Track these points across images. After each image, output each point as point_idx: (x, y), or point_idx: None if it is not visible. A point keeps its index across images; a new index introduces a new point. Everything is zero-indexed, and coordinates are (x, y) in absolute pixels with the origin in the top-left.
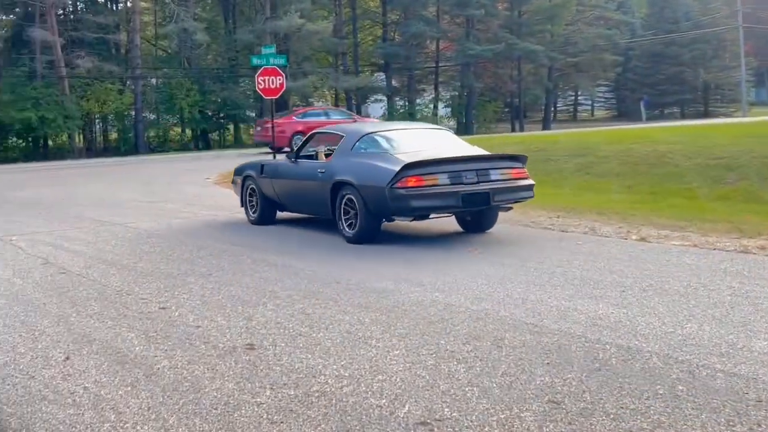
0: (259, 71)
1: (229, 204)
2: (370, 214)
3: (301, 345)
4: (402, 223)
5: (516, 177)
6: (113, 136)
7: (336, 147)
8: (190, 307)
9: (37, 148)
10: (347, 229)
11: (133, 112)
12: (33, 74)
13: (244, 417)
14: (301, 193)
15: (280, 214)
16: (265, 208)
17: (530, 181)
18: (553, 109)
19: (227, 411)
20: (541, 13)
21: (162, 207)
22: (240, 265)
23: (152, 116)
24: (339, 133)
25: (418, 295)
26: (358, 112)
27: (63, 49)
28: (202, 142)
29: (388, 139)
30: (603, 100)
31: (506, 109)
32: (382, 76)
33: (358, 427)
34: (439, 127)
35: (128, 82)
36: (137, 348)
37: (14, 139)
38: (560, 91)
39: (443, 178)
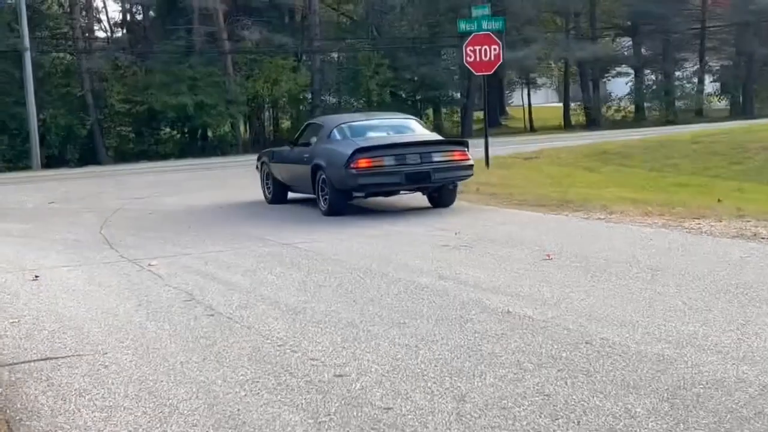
0: (468, 39)
1: (439, 219)
2: (336, 191)
3: None
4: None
5: (457, 159)
6: (285, 124)
7: (318, 134)
8: (376, 375)
9: (195, 141)
10: (323, 204)
11: (309, 95)
12: (189, 50)
13: None
14: (297, 175)
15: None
16: (276, 189)
17: (470, 162)
18: None
19: None
20: None
21: (347, 220)
22: (445, 311)
23: (333, 99)
24: (321, 123)
25: None
26: (595, 89)
27: (225, 18)
28: None
29: (354, 128)
30: None
31: None
32: (627, 42)
33: None
34: (407, 116)
35: (303, 57)
36: None
37: (167, 130)
38: None
39: (389, 160)
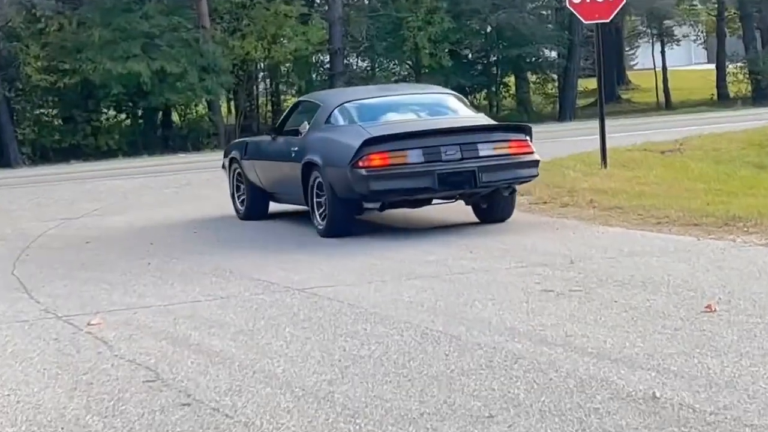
0: None
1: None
2: (338, 202)
3: None
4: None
5: (515, 152)
6: (289, 100)
7: (312, 119)
8: None
9: (152, 130)
10: (319, 220)
11: (326, 57)
12: None
13: None
14: (280, 177)
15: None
16: (253, 198)
17: (534, 157)
18: None
19: None
20: None
21: (376, 246)
22: (555, 396)
23: (362, 63)
24: (316, 102)
25: None
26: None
27: None
28: None
29: (364, 109)
30: None
31: None
32: None
33: None
34: (445, 91)
35: (317, 0)
36: None
37: (110, 113)
38: None
39: (415, 155)
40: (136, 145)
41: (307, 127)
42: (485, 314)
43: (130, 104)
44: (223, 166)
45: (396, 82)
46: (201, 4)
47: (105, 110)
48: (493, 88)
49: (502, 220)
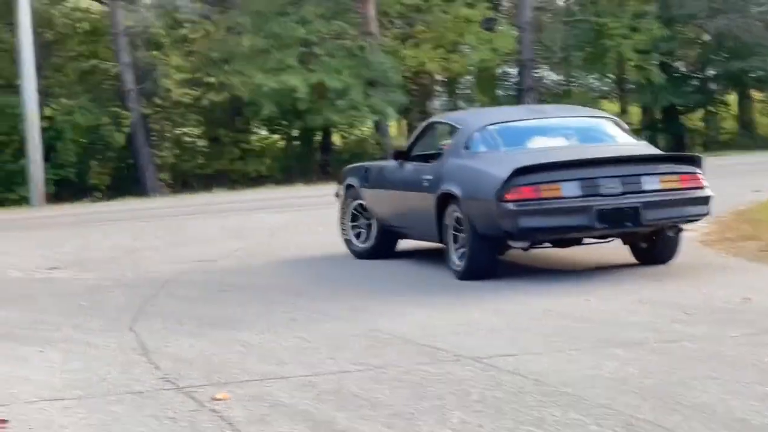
0: None
1: None
2: (480, 239)
3: None
4: None
5: (684, 187)
6: None
7: (450, 144)
8: None
9: (309, 153)
10: (456, 260)
11: (514, 69)
12: None
13: None
14: (408, 210)
15: None
16: (378, 233)
17: (706, 192)
18: None
19: None
20: None
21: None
22: None
23: (555, 77)
24: (454, 124)
25: None
26: None
27: None
28: (667, 132)
29: (510, 133)
30: None
31: None
32: None
33: None
34: (601, 114)
35: (504, 4)
36: None
37: (261, 133)
38: None
39: (571, 188)
40: (290, 171)
41: (442, 151)
42: (706, 399)
43: (285, 124)
44: (337, 195)
45: (596, 99)
46: (367, 6)
47: (255, 130)
48: (711, 108)
49: (663, 261)
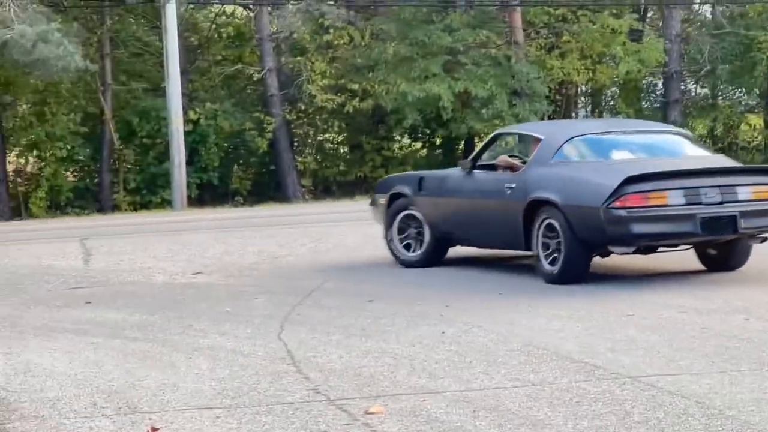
0: None
1: None
2: (578, 244)
3: None
4: None
5: None
6: None
7: (531, 154)
8: None
9: (451, 162)
10: (547, 265)
11: (659, 82)
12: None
13: None
14: (478, 216)
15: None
16: (432, 242)
17: None
18: None
19: None
20: None
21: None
22: None
23: (701, 90)
24: (535, 135)
25: None
26: None
27: None
28: None
29: (603, 145)
30: None
31: None
32: None
33: None
34: (672, 129)
35: (650, 13)
36: None
37: (404, 140)
38: None
39: (675, 196)
40: None
41: (518, 161)
42: None
43: (427, 132)
44: (374, 203)
45: (742, 113)
46: (514, 16)
47: (398, 138)
48: None
49: (734, 268)
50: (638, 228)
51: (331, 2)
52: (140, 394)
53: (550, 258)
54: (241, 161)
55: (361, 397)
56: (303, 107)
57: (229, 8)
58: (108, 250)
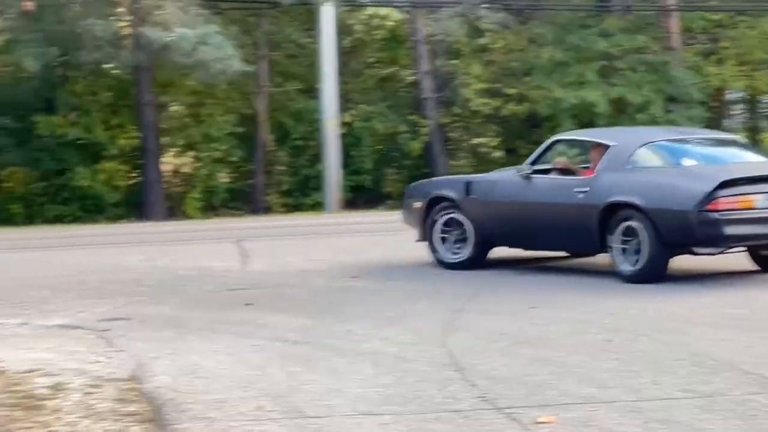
0: None
1: None
2: (662, 245)
3: None
4: None
5: None
6: None
7: (601, 159)
8: None
9: None
10: (623, 264)
11: None
12: (603, 5)
13: None
14: (544, 220)
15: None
16: (477, 244)
17: None
18: None
19: None
20: None
21: None
22: None
23: None
24: (603, 141)
25: None
26: None
27: None
28: None
29: (676, 152)
30: None
31: None
32: None
33: None
34: (726, 134)
35: None
36: None
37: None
38: None
39: (762, 200)
40: None
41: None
42: None
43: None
44: (407, 208)
45: None
46: (671, 21)
47: None
48: None
49: None
50: (729, 230)
51: (487, 5)
52: (305, 398)
53: (633, 259)
54: (394, 164)
55: (529, 406)
56: (458, 111)
57: (383, 10)
58: (264, 252)
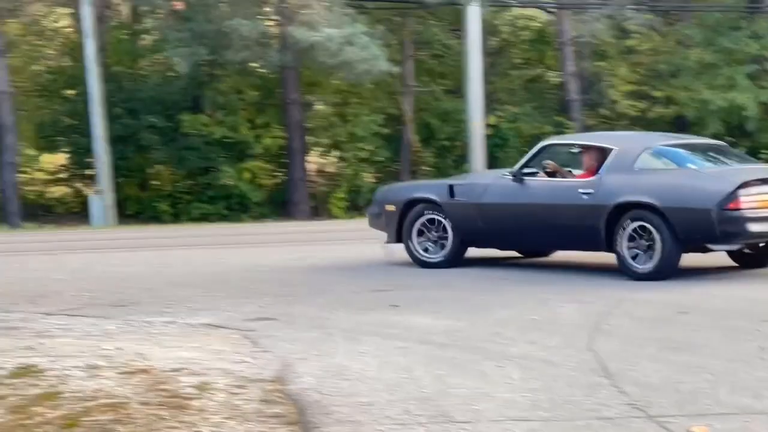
0: None
1: None
2: (674, 243)
3: None
4: None
5: None
6: None
7: (606, 162)
8: None
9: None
10: (633, 263)
11: None
12: (755, 5)
13: None
14: (542, 221)
15: None
16: (458, 244)
17: None
18: None
19: None
20: None
21: None
22: None
23: None
24: (605, 145)
25: None
26: None
27: None
28: None
29: (678, 155)
30: None
31: None
32: None
33: None
34: (714, 142)
35: None
36: None
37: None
38: None
39: None
40: None
41: (575, 170)
42: None
43: (731, 141)
44: (373, 214)
45: None
46: None
47: None
48: None
49: (764, 266)
50: (755, 227)
51: (634, 7)
52: (453, 402)
53: (645, 257)
54: None
55: (682, 415)
56: (604, 113)
57: (529, 11)
58: (406, 254)
